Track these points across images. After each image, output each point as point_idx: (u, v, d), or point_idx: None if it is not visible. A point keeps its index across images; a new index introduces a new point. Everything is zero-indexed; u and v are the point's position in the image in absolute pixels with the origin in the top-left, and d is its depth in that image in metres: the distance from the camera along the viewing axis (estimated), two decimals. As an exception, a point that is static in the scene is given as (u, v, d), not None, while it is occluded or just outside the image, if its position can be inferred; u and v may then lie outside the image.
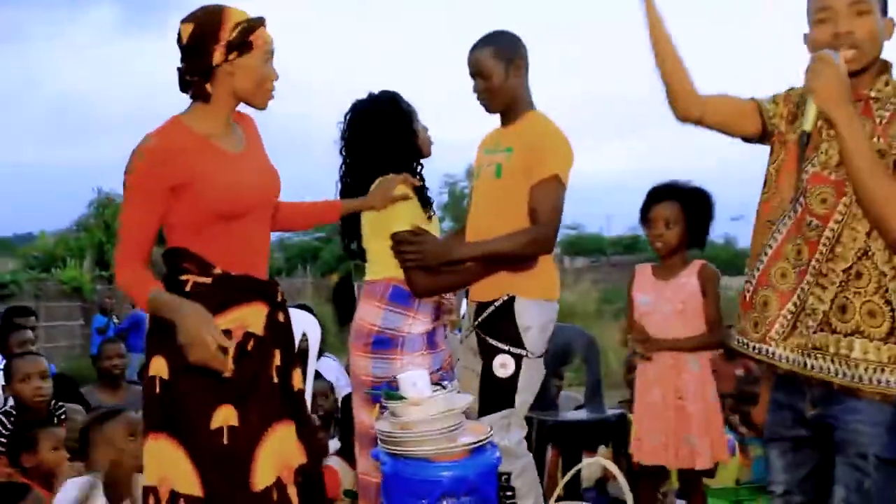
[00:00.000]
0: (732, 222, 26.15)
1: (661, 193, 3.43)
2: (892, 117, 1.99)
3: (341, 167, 2.88)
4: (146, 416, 2.25)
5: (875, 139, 2.00)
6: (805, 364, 2.05)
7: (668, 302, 3.35)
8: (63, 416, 3.84)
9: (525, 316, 2.78)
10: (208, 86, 2.19)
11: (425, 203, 2.81)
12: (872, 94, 2.04)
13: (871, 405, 1.98)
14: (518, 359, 2.75)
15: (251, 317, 2.21)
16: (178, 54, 2.23)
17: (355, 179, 2.83)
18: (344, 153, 2.87)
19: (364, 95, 2.87)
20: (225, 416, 2.14)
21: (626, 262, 22.32)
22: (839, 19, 2.01)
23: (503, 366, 2.76)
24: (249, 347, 2.20)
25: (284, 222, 2.60)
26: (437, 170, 25.70)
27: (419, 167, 2.87)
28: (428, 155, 2.90)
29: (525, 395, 2.79)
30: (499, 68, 2.81)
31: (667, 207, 3.37)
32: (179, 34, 2.20)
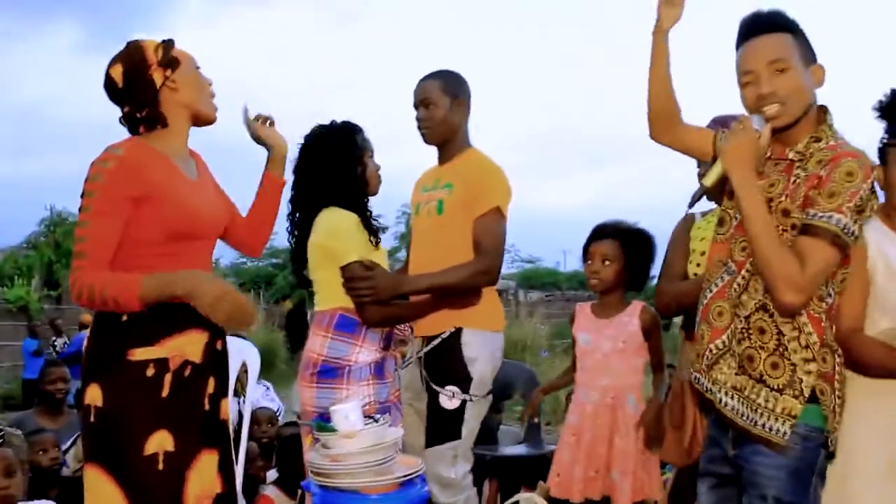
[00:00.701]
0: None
1: (603, 231, 3.49)
2: (806, 178, 2.04)
3: (292, 188, 2.87)
4: (84, 446, 2.24)
5: (784, 198, 2.07)
6: (720, 400, 2.13)
7: (608, 340, 3.39)
8: (1, 441, 3.79)
9: (471, 347, 2.84)
10: (161, 110, 2.27)
11: (372, 232, 2.84)
12: (791, 155, 2.10)
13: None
14: (465, 391, 2.81)
15: (189, 345, 2.24)
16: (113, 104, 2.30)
17: (301, 204, 2.85)
18: (294, 175, 2.88)
19: (327, 122, 2.89)
20: (160, 442, 2.16)
21: (580, 297, 22.49)
22: (761, 81, 2.07)
23: (450, 398, 2.81)
24: (186, 374, 2.24)
25: (256, 229, 2.64)
26: (394, 200, 25.62)
27: (365, 201, 2.89)
28: (374, 193, 2.92)
29: (472, 425, 2.84)
30: (444, 101, 2.93)
31: (606, 245, 3.42)
32: (111, 80, 2.28)
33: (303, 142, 2.88)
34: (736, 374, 2.11)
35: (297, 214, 2.87)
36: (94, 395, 2.18)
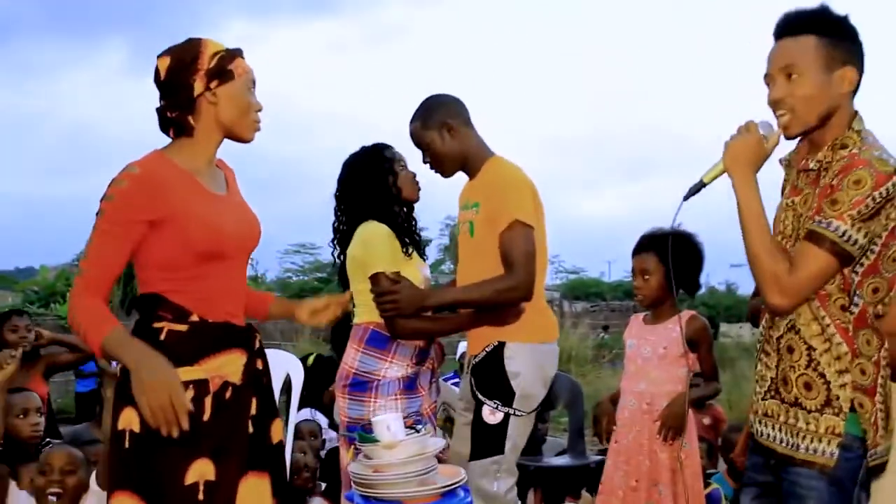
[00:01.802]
0: (733, 269, 26.11)
1: (641, 244, 3.43)
2: (829, 186, 1.97)
3: (335, 214, 3.01)
4: (111, 472, 2.10)
5: (811, 212, 2.01)
6: (758, 431, 2.11)
7: (649, 345, 3.36)
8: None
9: (514, 361, 2.79)
10: (191, 118, 2.13)
11: (405, 242, 2.87)
12: (812, 165, 2.05)
13: None
14: (507, 405, 2.78)
15: (228, 365, 2.12)
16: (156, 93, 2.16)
17: (344, 225, 2.98)
18: (335, 201, 3.00)
19: (357, 148, 3.02)
20: (201, 471, 2.04)
21: (625, 307, 22.30)
22: (774, 85, 2.03)
23: (492, 412, 2.79)
24: (227, 397, 2.10)
25: None
26: (438, 212, 25.79)
27: (402, 210, 2.96)
28: (414, 199, 2.99)
29: (515, 440, 2.80)
30: (433, 137, 2.87)
31: (643, 259, 3.37)
32: (157, 70, 2.13)
33: (340, 170, 3.00)
34: (768, 399, 2.08)
35: (340, 232, 2.99)
36: (129, 418, 2.03)
